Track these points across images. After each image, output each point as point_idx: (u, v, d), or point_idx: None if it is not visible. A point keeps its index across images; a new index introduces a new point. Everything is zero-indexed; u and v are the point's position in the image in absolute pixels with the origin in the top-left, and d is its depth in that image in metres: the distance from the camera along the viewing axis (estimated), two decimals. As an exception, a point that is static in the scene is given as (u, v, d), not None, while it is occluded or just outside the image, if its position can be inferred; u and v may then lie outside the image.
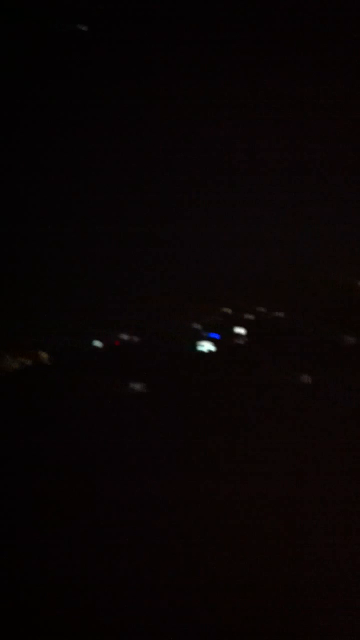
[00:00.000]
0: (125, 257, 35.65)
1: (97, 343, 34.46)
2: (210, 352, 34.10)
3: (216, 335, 35.46)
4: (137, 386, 23.34)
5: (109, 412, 16.98)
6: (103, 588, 7.02)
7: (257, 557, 7.26)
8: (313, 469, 10.29)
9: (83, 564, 7.49)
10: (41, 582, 7.16)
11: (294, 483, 9.57)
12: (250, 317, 36.03)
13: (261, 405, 16.19)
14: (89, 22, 23.69)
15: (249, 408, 15.64)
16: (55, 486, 9.77)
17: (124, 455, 11.69)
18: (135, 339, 35.16)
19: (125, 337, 35.17)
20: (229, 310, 36.73)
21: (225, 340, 34.37)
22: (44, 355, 33.08)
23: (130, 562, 7.47)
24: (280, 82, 28.72)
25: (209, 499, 9.15)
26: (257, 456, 11.17)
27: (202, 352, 34.26)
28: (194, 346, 34.19)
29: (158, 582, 7.06)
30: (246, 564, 7.17)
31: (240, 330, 34.75)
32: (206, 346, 34.59)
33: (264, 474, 10.03)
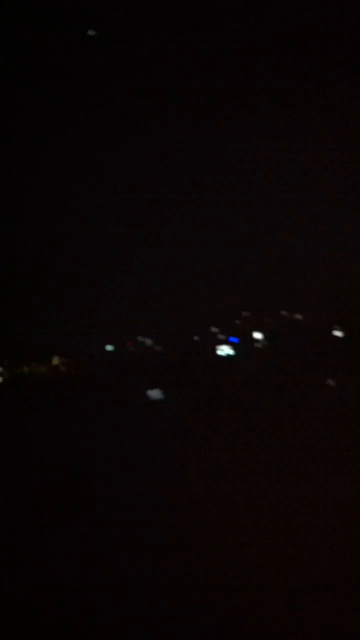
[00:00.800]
0: (138, 258, 35.59)
1: (109, 347, 34.41)
2: (228, 356, 33.95)
3: (235, 340, 35.23)
4: (154, 393, 23.10)
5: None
6: (104, 588, 6.99)
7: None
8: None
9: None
10: (41, 581, 7.15)
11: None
12: (270, 320, 35.77)
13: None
14: (89, 23, 23.79)
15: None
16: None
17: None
18: (149, 341, 35.07)
19: (140, 340, 35.14)
20: (247, 313, 36.54)
21: (243, 344, 34.22)
22: (57, 361, 33.13)
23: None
24: (281, 83, 28.67)
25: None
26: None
27: (220, 356, 34.08)
28: (212, 350, 34.03)
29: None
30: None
31: (258, 335, 34.57)
32: (225, 350, 34.38)
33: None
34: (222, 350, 34.60)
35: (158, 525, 8.23)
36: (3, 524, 8.52)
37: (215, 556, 7.33)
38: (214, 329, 37.28)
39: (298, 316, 35.07)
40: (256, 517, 8.18)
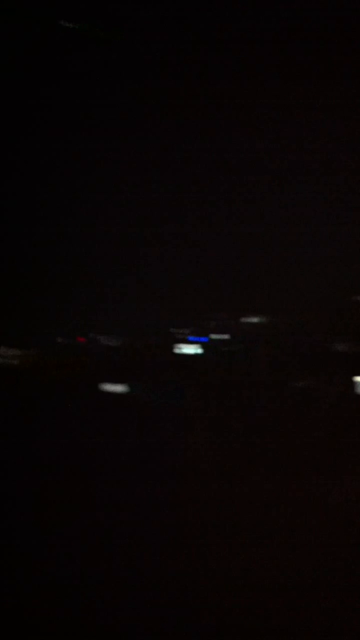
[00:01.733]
0: (120, 257, 35.55)
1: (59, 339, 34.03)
2: (196, 354, 33.91)
3: (204, 339, 35.03)
4: (116, 387, 23.03)
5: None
6: (104, 588, 7.00)
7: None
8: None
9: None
10: (41, 582, 7.14)
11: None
12: (247, 320, 35.62)
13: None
14: (89, 23, 23.75)
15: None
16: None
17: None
18: (112, 342, 34.71)
19: (100, 339, 34.86)
20: (224, 315, 36.37)
21: (211, 345, 34.16)
22: (29, 352, 32.95)
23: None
24: (283, 84, 28.87)
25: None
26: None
27: (182, 355, 33.97)
28: (172, 349, 33.88)
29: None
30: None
31: (224, 336, 34.55)
32: (187, 349, 34.33)
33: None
34: (181, 348, 34.46)
35: (158, 525, 8.27)
36: (3, 524, 8.46)
37: (215, 556, 7.40)
38: (182, 329, 37.07)
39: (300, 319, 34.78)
40: (256, 517, 8.24)
